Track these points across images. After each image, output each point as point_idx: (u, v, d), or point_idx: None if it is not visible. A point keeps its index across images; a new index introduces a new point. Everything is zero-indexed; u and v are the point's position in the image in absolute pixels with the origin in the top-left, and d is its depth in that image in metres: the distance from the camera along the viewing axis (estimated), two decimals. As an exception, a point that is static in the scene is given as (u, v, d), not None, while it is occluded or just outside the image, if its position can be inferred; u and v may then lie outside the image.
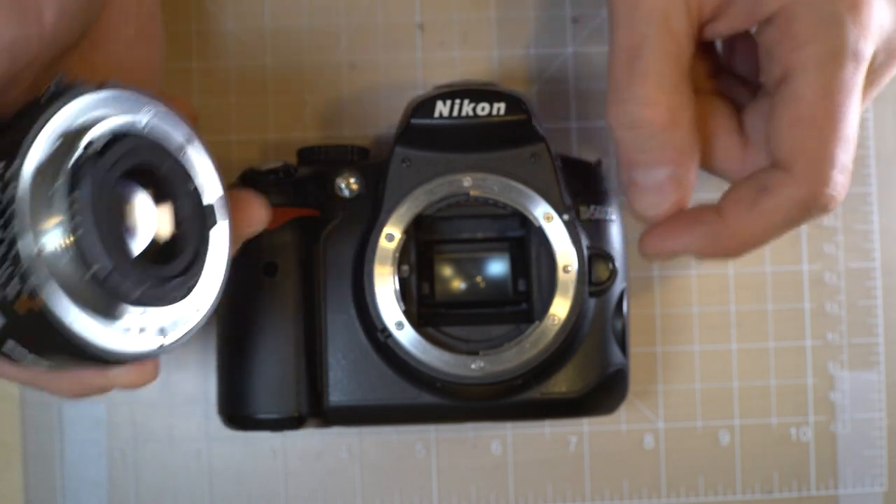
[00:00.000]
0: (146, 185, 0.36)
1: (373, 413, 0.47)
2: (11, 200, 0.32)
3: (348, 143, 0.49)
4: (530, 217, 0.45)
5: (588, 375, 0.47)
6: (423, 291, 0.47)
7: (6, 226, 0.32)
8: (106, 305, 0.34)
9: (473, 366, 0.45)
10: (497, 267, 0.47)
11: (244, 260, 0.47)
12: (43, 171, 0.33)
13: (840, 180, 0.41)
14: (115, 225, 0.35)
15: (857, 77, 0.41)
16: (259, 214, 0.41)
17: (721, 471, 0.53)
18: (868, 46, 0.41)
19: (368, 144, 0.51)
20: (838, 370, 0.54)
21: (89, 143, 0.34)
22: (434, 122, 0.46)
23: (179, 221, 0.37)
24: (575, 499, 0.53)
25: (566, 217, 0.45)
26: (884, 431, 0.53)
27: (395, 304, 0.45)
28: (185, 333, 0.36)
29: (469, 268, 0.48)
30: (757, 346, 0.53)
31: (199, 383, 0.52)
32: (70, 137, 0.34)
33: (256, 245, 0.46)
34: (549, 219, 0.45)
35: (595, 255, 0.46)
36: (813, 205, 0.41)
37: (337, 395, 0.47)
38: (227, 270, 0.38)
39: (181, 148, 0.37)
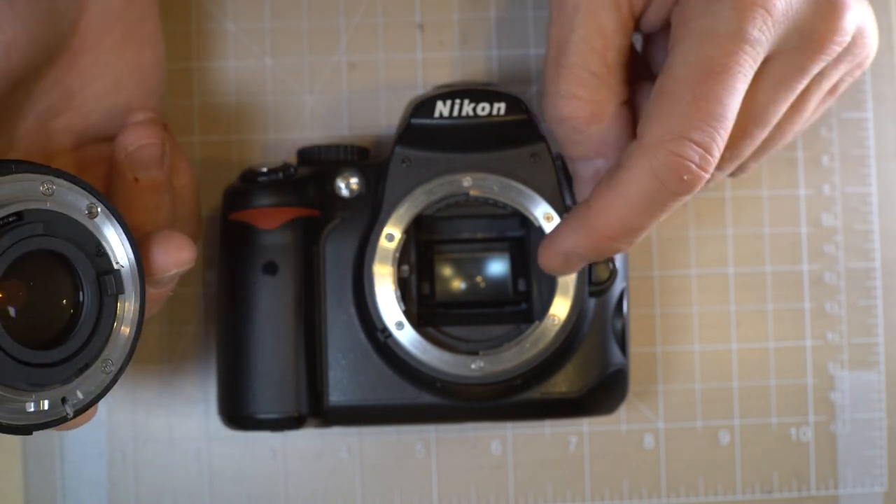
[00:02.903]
0: (41, 267, 0.36)
1: (373, 413, 0.47)
2: None
3: (348, 143, 0.49)
4: (530, 217, 0.45)
5: (588, 375, 0.47)
6: (423, 291, 0.47)
7: None
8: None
9: (473, 366, 0.45)
10: (497, 267, 0.48)
11: (244, 260, 0.47)
12: None
13: (692, 153, 0.39)
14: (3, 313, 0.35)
15: (734, 59, 0.39)
16: (182, 256, 0.40)
17: (721, 471, 0.53)
18: (757, 33, 0.39)
19: (368, 144, 0.51)
20: (838, 370, 0.54)
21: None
22: (434, 122, 0.46)
23: (78, 300, 0.36)
24: (575, 499, 0.53)
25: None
26: (884, 431, 0.53)
27: (395, 304, 0.45)
28: (91, 400, 0.36)
29: (469, 268, 0.48)
30: (757, 346, 0.53)
31: (199, 383, 0.52)
32: None
33: (256, 245, 0.47)
34: (549, 219, 0.45)
35: (595, 255, 0.46)
36: (664, 175, 0.39)
37: (337, 395, 0.47)
38: (135, 334, 0.37)
39: (88, 215, 0.36)
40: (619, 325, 0.48)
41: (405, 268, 0.46)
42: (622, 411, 0.52)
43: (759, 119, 0.42)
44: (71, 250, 0.36)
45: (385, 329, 0.45)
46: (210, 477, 0.53)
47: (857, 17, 0.42)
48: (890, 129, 0.54)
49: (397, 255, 0.45)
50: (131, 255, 0.37)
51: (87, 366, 0.36)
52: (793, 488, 0.53)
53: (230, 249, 0.47)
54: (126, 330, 0.37)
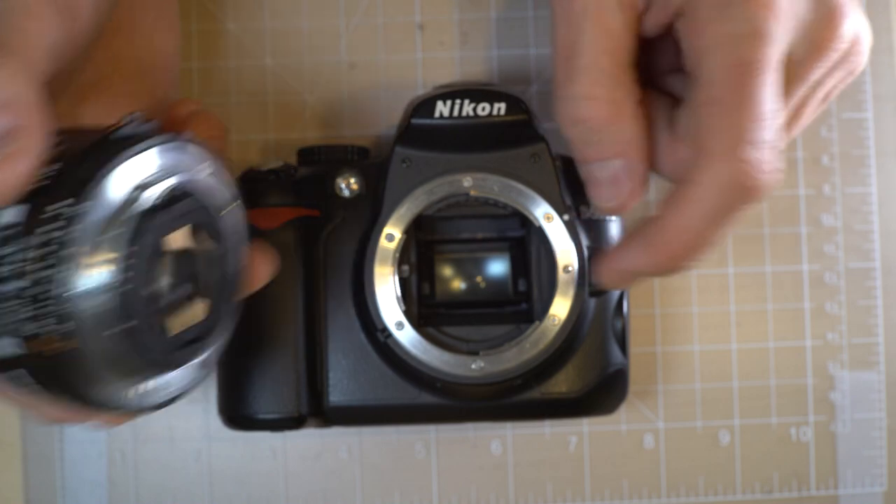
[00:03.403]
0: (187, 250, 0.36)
1: (373, 413, 0.47)
2: (69, 242, 0.31)
3: (348, 143, 0.49)
4: (530, 217, 0.45)
5: (588, 375, 0.47)
6: (423, 291, 0.47)
7: (57, 264, 0.31)
8: (124, 360, 0.34)
9: (473, 366, 0.45)
10: (497, 267, 0.47)
11: (244, 260, 0.47)
12: (105, 217, 0.33)
13: (761, 158, 0.39)
14: (158, 285, 0.35)
15: (763, 56, 0.39)
16: (265, 272, 0.42)
17: (721, 471, 0.53)
18: (776, 27, 0.40)
19: (368, 144, 0.51)
20: (838, 370, 0.54)
21: (152, 196, 0.34)
22: (434, 122, 0.46)
23: (207, 287, 0.37)
24: (575, 499, 0.53)
25: (566, 217, 0.45)
26: (884, 431, 0.53)
27: (395, 304, 0.45)
28: (180, 394, 0.37)
29: (469, 268, 0.48)
30: (757, 346, 0.53)
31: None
32: (136, 187, 0.34)
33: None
34: (549, 219, 0.45)
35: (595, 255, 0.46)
36: (737, 185, 0.39)
37: (337, 395, 0.47)
38: (225, 341, 0.39)
39: (223, 209, 0.37)
40: (619, 325, 0.48)
41: (405, 268, 0.46)
42: (622, 411, 0.52)
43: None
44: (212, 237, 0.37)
45: (385, 329, 0.45)
46: (210, 477, 0.53)
47: (855, 25, 0.42)
48: (890, 129, 0.54)
49: (397, 255, 0.45)
50: (243, 260, 0.39)
51: (202, 354, 0.37)
52: (793, 488, 0.53)
53: (230, 249, 0.47)
54: (223, 333, 0.38)
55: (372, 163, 0.48)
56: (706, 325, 0.53)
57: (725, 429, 0.53)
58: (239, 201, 0.38)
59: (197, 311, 0.37)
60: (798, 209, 0.54)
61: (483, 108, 0.46)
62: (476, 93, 0.46)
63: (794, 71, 0.41)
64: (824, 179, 0.54)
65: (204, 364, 0.38)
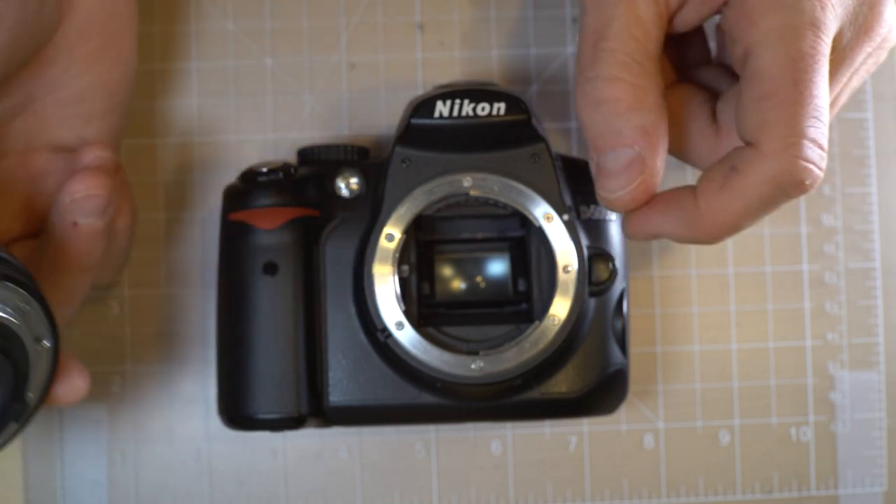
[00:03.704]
0: None
1: (373, 413, 0.47)
2: None
3: (348, 143, 0.49)
4: (530, 217, 0.45)
5: (588, 375, 0.47)
6: (423, 291, 0.47)
7: None
8: None
9: (473, 366, 0.45)
10: (497, 267, 0.47)
11: (244, 260, 0.47)
12: None
13: (812, 154, 0.40)
14: None
15: (819, 47, 0.40)
16: (78, 387, 0.42)
17: (721, 471, 0.53)
18: (828, 16, 0.40)
19: (368, 144, 0.51)
20: (838, 370, 0.54)
21: None
22: (434, 122, 0.46)
23: None
24: (575, 499, 0.53)
25: (566, 217, 0.45)
26: (884, 431, 0.53)
27: (395, 304, 0.45)
28: None
29: (469, 268, 0.48)
30: (757, 346, 0.53)
31: (199, 383, 0.52)
32: None
33: (256, 245, 0.47)
34: (549, 219, 0.45)
35: (595, 255, 0.46)
36: (787, 181, 0.40)
37: (337, 395, 0.47)
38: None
39: (36, 341, 0.38)
40: (619, 325, 0.48)
41: (405, 268, 0.46)
42: (622, 411, 0.52)
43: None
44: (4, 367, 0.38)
45: (385, 329, 0.45)
46: (210, 477, 0.53)
47: (893, 10, 0.43)
48: (890, 129, 0.54)
49: (397, 255, 0.45)
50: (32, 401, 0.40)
51: None
52: (793, 488, 0.53)
53: (230, 249, 0.47)
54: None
55: (372, 163, 0.48)
56: (706, 325, 0.53)
57: (725, 429, 0.53)
58: (53, 337, 0.39)
59: None
60: (798, 209, 0.54)
61: (483, 108, 0.46)
62: (476, 93, 0.46)
63: (842, 56, 0.42)
64: (824, 179, 0.54)
65: None
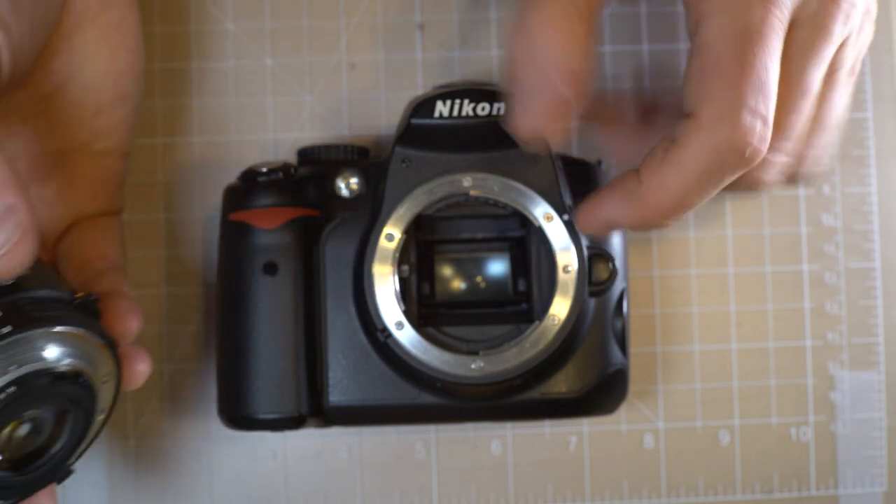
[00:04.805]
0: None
1: (373, 413, 0.47)
2: None
3: (348, 143, 0.49)
4: (530, 217, 0.45)
5: (588, 375, 0.47)
6: (423, 291, 0.47)
7: None
8: None
9: (473, 366, 0.45)
10: (497, 267, 0.47)
11: (244, 260, 0.47)
12: None
13: (753, 125, 0.39)
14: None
15: (768, 20, 0.39)
16: (141, 370, 0.42)
17: (721, 471, 0.53)
18: None
19: (368, 144, 0.51)
20: (838, 370, 0.54)
21: (56, 368, 0.36)
22: (434, 122, 0.46)
23: (44, 460, 0.39)
24: (575, 499, 0.53)
25: (566, 217, 0.45)
26: (884, 431, 0.53)
27: (395, 304, 0.45)
28: None
29: (469, 268, 0.48)
30: (757, 346, 0.53)
31: (199, 383, 0.52)
32: (41, 353, 0.36)
33: (256, 245, 0.47)
34: (549, 219, 0.45)
35: (595, 255, 0.46)
36: (726, 150, 0.39)
37: (337, 395, 0.47)
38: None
39: (100, 412, 0.40)
40: (619, 325, 0.48)
41: (405, 268, 0.46)
42: (622, 411, 0.52)
43: (798, 88, 0.42)
44: (77, 427, 0.39)
45: (385, 329, 0.45)
46: (210, 477, 0.53)
47: None
48: (890, 129, 0.54)
49: (397, 255, 0.45)
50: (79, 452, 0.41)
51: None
52: (793, 488, 0.53)
53: (230, 249, 0.47)
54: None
55: (372, 163, 0.48)
56: (706, 325, 0.53)
57: (725, 429, 0.53)
58: (107, 415, 0.40)
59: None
60: (798, 209, 0.54)
61: (483, 108, 0.46)
62: (476, 93, 0.46)
63: (815, 29, 0.41)
64: (824, 179, 0.54)
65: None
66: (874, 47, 0.54)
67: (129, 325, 0.42)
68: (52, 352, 0.36)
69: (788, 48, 0.41)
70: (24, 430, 0.38)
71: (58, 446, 0.39)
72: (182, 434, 0.53)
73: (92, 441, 0.41)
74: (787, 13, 0.40)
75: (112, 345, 0.38)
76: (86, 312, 0.37)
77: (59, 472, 0.40)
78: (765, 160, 0.42)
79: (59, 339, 0.36)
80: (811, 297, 0.54)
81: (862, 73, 0.54)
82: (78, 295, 0.37)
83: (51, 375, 0.36)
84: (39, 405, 0.37)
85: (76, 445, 0.39)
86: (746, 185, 0.44)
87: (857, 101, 0.54)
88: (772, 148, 0.41)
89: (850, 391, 0.53)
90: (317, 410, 0.47)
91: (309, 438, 0.53)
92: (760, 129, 0.39)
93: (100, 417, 0.40)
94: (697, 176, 0.40)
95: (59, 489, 0.52)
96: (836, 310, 0.54)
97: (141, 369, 0.42)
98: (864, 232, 0.54)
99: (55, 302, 0.36)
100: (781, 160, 0.44)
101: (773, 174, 0.44)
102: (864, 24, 0.44)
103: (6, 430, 0.37)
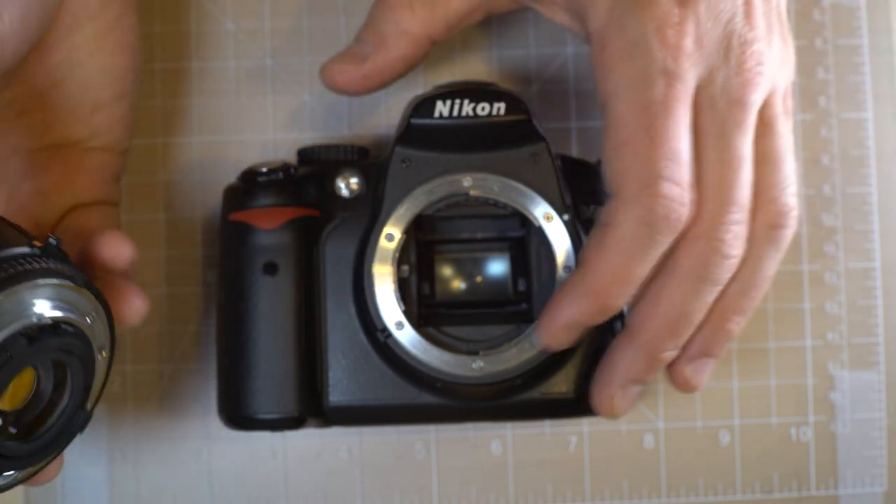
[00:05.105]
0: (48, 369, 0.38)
1: (373, 413, 0.47)
2: None
3: (348, 143, 0.49)
4: (530, 217, 0.45)
5: (588, 375, 0.47)
6: (423, 291, 0.47)
7: None
8: None
9: (473, 366, 0.45)
10: (497, 267, 0.48)
11: (244, 260, 0.47)
12: None
13: (671, 191, 0.40)
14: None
15: (672, 92, 0.41)
16: (137, 307, 0.42)
17: (721, 471, 0.53)
18: (682, 65, 0.41)
19: (368, 144, 0.51)
20: (838, 370, 0.54)
21: (30, 325, 0.35)
22: (434, 122, 0.46)
23: (57, 415, 0.38)
24: (575, 499, 0.53)
25: (566, 217, 0.45)
26: (884, 431, 0.53)
27: (395, 304, 0.45)
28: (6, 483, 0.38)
29: (469, 268, 0.48)
30: (757, 346, 0.53)
31: (199, 383, 0.52)
32: (15, 313, 0.35)
33: (256, 245, 0.47)
34: (549, 219, 0.45)
35: (595, 255, 0.46)
36: (651, 220, 0.41)
37: (337, 395, 0.47)
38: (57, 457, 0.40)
39: (98, 350, 0.39)
40: (619, 325, 0.48)
41: (405, 268, 0.46)
42: (622, 411, 0.52)
43: (731, 161, 0.42)
44: (78, 373, 0.38)
45: (385, 329, 0.45)
46: (210, 477, 0.53)
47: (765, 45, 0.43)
48: (890, 129, 0.54)
49: (397, 255, 0.45)
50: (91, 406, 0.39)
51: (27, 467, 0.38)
52: (793, 488, 0.53)
53: (230, 249, 0.47)
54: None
55: (372, 163, 0.48)
56: (706, 325, 0.53)
57: (725, 429, 0.53)
58: (110, 349, 0.39)
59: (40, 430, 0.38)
60: (798, 209, 0.54)
61: (483, 108, 0.46)
62: (476, 93, 0.46)
63: (730, 100, 0.42)
64: (824, 179, 0.54)
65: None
66: (874, 47, 0.54)
67: (121, 251, 0.42)
68: (23, 311, 0.35)
69: (709, 124, 0.42)
70: (24, 396, 0.37)
71: (65, 400, 0.38)
72: (182, 434, 0.53)
73: (106, 379, 0.40)
74: (691, 86, 0.41)
75: (87, 281, 0.37)
76: (51, 257, 0.36)
77: (77, 421, 0.38)
78: (725, 230, 0.42)
79: (29, 295, 0.35)
80: (811, 297, 0.54)
81: (862, 74, 0.54)
82: (38, 244, 0.36)
83: (26, 336, 0.35)
84: (27, 366, 0.36)
85: (85, 392, 0.38)
86: None
87: (857, 102, 0.54)
88: (726, 221, 0.42)
89: (850, 391, 0.53)
90: (317, 410, 0.47)
91: (309, 438, 0.53)
92: (678, 194, 0.41)
93: (103, 355, 0.39)
94: (634, 250, 0.41)
95: (59, 489, 0.52)
96: (836, 310, 0.54)
97: (136, 306, 0.42)
98: (864, 232, 0.54)
99: (14, 259, 0.35)
100: (736, 228, 0.43)
101: (735, 246, 0.43)
102: (782, 73, 0.44)
103: (5, 403, 0.36)
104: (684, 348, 0.45)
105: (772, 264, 0.44)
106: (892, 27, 0.54)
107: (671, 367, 0.45)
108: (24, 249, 0.36)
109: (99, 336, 0.38)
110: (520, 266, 0.47)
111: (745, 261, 0.43)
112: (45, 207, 0.45)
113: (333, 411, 0.47)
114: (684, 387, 0.46)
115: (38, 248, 0.36)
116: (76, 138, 0.45)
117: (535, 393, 0.46)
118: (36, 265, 0.35)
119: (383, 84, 0.48)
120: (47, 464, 0.39)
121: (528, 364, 0.45)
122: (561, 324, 0.44)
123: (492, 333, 0.46)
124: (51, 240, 0.37)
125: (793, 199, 0.44)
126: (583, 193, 0.47)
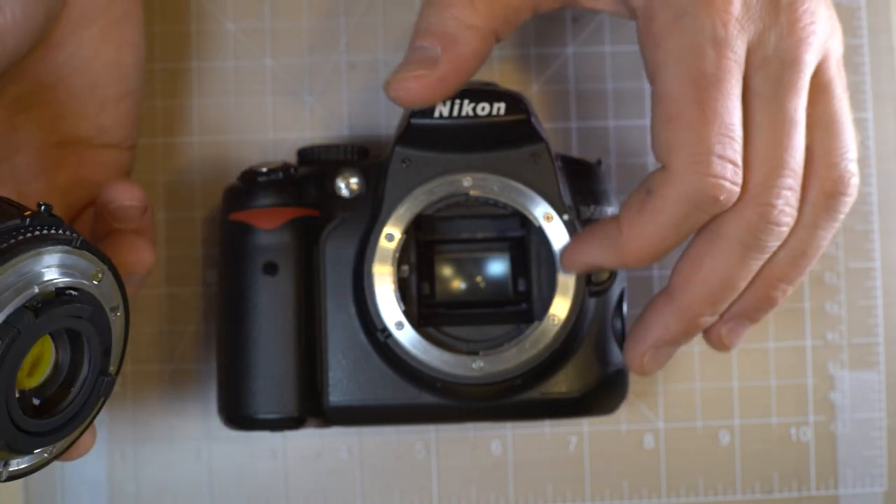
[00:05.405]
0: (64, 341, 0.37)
1: (373, 413, 0.47)
2: None
3: (348, 143, 0.49)
4: (530, 217, 0.45)
5: (588, 375, 0.47)
6: (423, 291, 0.47)
7: None
8: None
9: (473, 366, 0.45)
10: (497, 267, 0.48)
11: (244, 260, 0.47)
12: None
13: (723, 170, 0.40)
14: (11, 381, 0.35)
15: (723, 63, 0.40)
16: (143, 258, 0.43)
17: (721, 471, 0.53)
18: (731, 32, 0.40)
19: (368, 144, 0.51)
20: (838, 370, 0.54)
21: (34, 297, 0.34)
22: (434, 122, 0.46)
23: (80, 385, 0.37)
24: (575, 499, 0.53)
25: (566, 217, 0.45)
26: (884, 431, 0.53)
27: (395, 304, 0.45)
28: (27, 469, 0.37)
29: (469, 268, 0.48)
30: (757, 346, 0.53)
31: (199, 383, 0.52)
32: (17, 287, 0.34)
33: (256, 245, 0.47)
34: (549, 219, 0.45)
35: (595, 255, 0.46)
36: (699, 199, 0.40)
37: (337, 395, 0.47)
38: (86, 430, 0.39)
39: (112, 311, 0.38)
40: (619, 325, 0.48)
41: (405, 268, 0.46)
42: (622, 411, 0.52)
43: (782, 124, 0.41)
44: (93, 338, 0.37)
45: (385, 329, 0.45)
46: (210, 477, 0.53)
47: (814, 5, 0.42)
48: (890, 129, 0.54)
49: (397, 255, 0.45)
50: (116, 367, 0.39)
51: (54, 444, 0.37)
52: (793, 488, 0.53)
53: (230, 249, 0.47)
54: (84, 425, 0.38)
55: (372, 163, 0.48)
56: (706, 325, 0.53)
57: (725, 429, 0.53)
58: (124, 308, 0.38)
59: (61, 404, 0.37)
60: (798, 209, 0.54)
61: (483, 108, 0.46)
62: (476, 93, 0.46)
63: (782, 62, 0.41)
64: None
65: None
66: (874, 47, 0.54)
67: (131, 193, 0.42)
68: (24, 283, 0.34)
69: (761, 87, 0.41)
70: (43, 370, 0.36)
71: (85, 367, 0.37)
72: (182, 434, 0.53)
73: (125, 338, 0.39)
74: (742, 52, 0.41)
75: (84, 242, 0.36)
76: (45, 225, 0.35)
77: (100, 387, 0.38)
78: (775, 195, 0.41)
79: (28, 266, 0.34)
80: (811, 297, 0.54)
81: (862, 73, 0.54)
82: (27, 213, 0.35)
83: (31, 308, 0.34)
84: (39, 339, 0.35)
85: (105, 356, 0.37)
86: None
87: (857, 101, 0.54)
88: (777, 185, 0.41)
89: (850, 391, 0.53)
90: (317, 410, 0.47)
91: (309, 438, 0.53)
92: (731, 172, 0.40)
93: (118, 315, 0.38)
94: (674, 224, 0.41)
95: (59, 489, 0.52)
96: (836, 310, 0.54)
97: (142, 257, 0.42)
98: (864, 232, 0.54)
99: (7, 233, 0.34)
100: (788, 194, 0.42)
101: (786, 216, 0.43)
102: (834, 41, 0.43)
103: (25, 380, 0.35)
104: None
105: (827, 234, 0.43)
106: (892, 27, 0.54)
107: None
108: (16, 221, 0.34)
109: (109, 296, 0.37)
110: (520, 266, 0.47)
111: (797, 229, 0.43)
112: (59, 205, 0.45)
113: (333, 411, 0.47)
114: (717, 345, 0.46)
115: (29, 217, 0.35)
116: (85, 135, 0.45)
117: (535, 393, 0.46)
118: (30, 235, 0.34)
119: (459, 85, 0.45)
120: (79, 436, 0.38)
121: (528, 364, 0.45)
122: (583, 260, 0.44)
123: (492, 333, 0.46)
124: (42, 207, 0.35)
125: (853, 164, 0.43)
126: (583, 193, 0.47)
